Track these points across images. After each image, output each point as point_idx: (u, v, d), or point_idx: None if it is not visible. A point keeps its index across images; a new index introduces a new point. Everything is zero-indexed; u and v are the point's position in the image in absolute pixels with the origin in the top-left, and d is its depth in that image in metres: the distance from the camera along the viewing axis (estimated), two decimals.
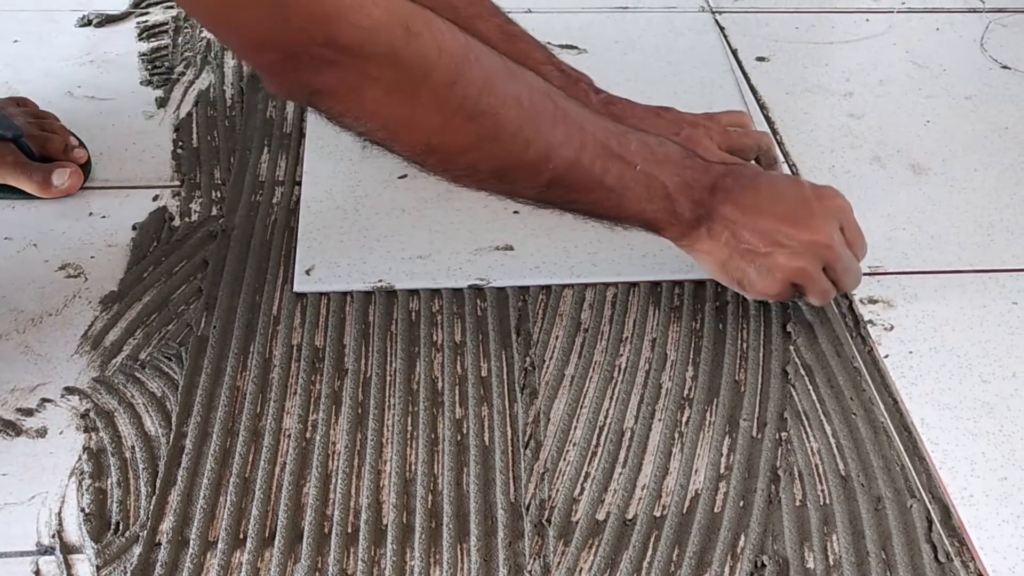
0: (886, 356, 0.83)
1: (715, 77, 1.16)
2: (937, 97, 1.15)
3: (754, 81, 1.15)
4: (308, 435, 0.74)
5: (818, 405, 0.78)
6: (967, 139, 1.09)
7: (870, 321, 0.86)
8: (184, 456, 0.72)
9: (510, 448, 0.74)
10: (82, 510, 0.68)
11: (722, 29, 1.25)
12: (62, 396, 0.76)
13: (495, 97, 0.67)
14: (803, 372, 0.81)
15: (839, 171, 1.02)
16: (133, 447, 0.72)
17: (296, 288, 0.85)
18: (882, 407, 0.78)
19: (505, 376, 0.79)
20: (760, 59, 1.20)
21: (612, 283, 0.88)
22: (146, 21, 1.20)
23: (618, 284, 0.87)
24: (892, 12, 1.31)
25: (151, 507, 0.68)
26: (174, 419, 0.74)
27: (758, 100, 1.12)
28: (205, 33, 1.18)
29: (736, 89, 1.14)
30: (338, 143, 0.99)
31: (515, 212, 0.93)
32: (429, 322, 0.83)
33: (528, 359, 0.80)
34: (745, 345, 0.83)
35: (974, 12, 1.32)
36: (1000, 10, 1.33)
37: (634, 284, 0.88)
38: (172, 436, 0.73)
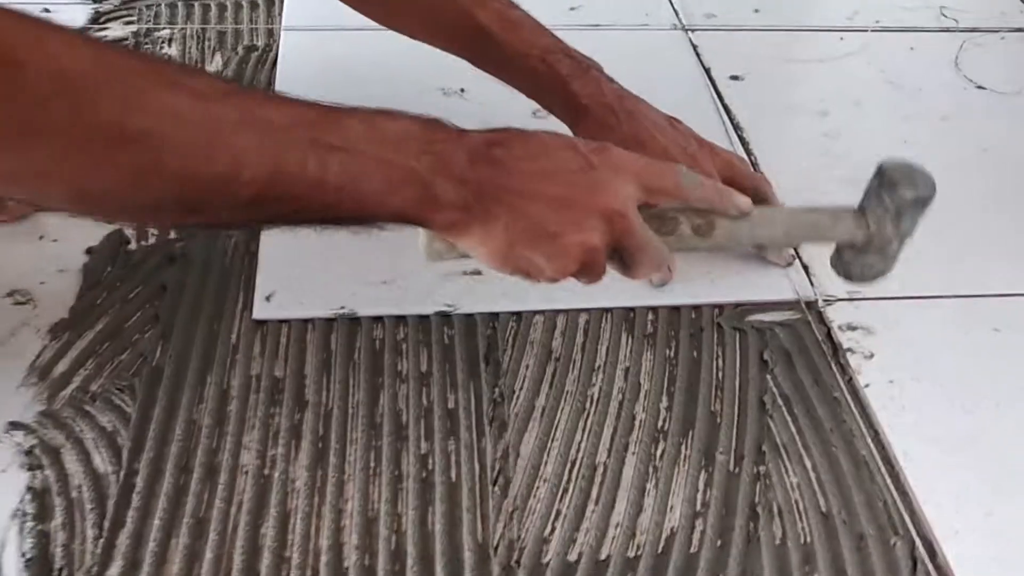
0: (866, 385, 0.80)
1: (689, 96, 1.14)
2: (913, 118, 1.13)
3: (728, 100, 1.13)
4: (266, 472, 0.70)
5: (797, 437, 0.76)
6: (945, 160, 1.06)
7: (849, 349, 0.83)
8: (135, 495, 0.68)
9: (477, 485, 0.70)
10: (23, 555, 0.64)
11: (695, 47, 1.23)
12: (6, 431, 0.72)
13: (147, 114, 0.53)
14: (781, 402, 0.78)
15: (815, 192, 1.00)
16: (80, 486, 0.69)
17: (256, 315, 0.82)
18: (863, 439, 0.76)
19: (473, 408, 0.76)
20: (734, 78, 1.18)
21: (584, 309, 0.85)
22: (105, 37, 1.16)
23: (590, 310, 0.85)
24: (866, 31, 1.29)
25: (98, 551, 0.65)
26: (125, 455, 0.70)
27: (732, 120, 1.10)
28: (167, 49, 1.14)
29: (711, 108, 1.12)
30: None
31: None
32: (394, 351, 0.80)
33: (497, 390, 0.77)
34: (721, 374, 0.80)
35: (948, 31, 1.31)
36: (974, 29, 1.31)
37: (607, 310, 0.85)
38: (122, 474, 0.69)
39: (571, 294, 0.85)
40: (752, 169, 0.92)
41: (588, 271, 0.66)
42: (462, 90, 1.10)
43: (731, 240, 0.71)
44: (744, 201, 0.70)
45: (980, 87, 1.19)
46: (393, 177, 0.60)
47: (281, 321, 0.82)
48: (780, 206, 0.86)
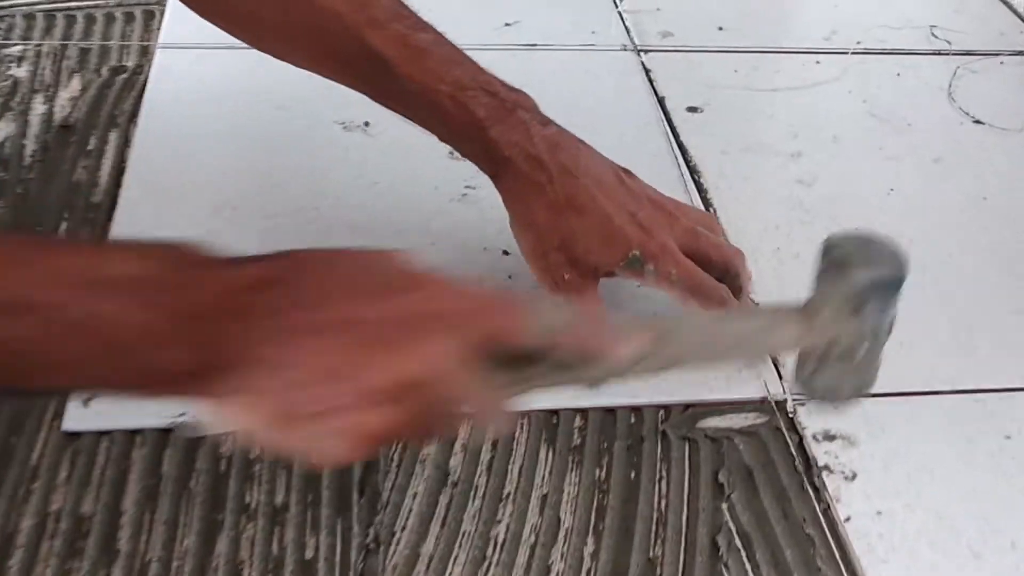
0: (847, 519, 0.63)
1: (637, 131, 0.96)
2: (901, 159, 0.96)
3: (684, 137, 0.96)
4: None
5: None
6: (939, 213, 0.90)
7: (826, 467, 0.66)
8: None
9: None
10: None
11: (648, 72, 1.05)
12: None
13: None
14: (739, 544, 0.61)
15: (786, 255, 0.83)
16: None
17: (67, 426, 0.64)
18: None
19: (338, 558, 0.58)
20: (692, 109, 1.00)
21: None
22: None
23: None
24: (847, 53, 1.12)
25: None
26: None
27: (688, 161, 0.93)
28: (16, 69, 0.96)
29: (663, 146, 0.95)
30: (159, 217, 0.78)
31: None
32: (242, 475, 0.62)
33: (371, 531, 0.60)
34: (664, 504, 0.63)
35: (939, 55, 1.14)
36: (968, 53, 1.15)
37: (523, 414, 0.67)
38: None
39: None
40: (723, 235, 0.74)
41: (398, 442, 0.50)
42: (366, 124, 0.92)
43: (620, 379, 0.51)
44: (632, 349, 0.50)
45: (978, 121, 1.03)
46: (106, 337, 0.42)
47: (100, 433, 0.64)
48: (700, 312, 0.66)
